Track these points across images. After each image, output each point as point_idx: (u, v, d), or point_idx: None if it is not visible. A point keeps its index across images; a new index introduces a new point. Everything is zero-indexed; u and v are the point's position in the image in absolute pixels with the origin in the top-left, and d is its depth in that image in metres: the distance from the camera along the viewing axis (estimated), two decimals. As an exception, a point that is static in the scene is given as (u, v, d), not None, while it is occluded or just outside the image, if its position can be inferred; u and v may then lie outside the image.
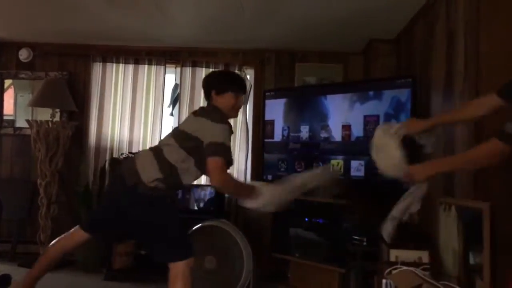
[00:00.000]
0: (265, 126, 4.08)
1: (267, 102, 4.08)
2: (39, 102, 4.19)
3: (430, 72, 3.08)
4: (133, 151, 4.26)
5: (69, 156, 4.25)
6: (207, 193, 4.08)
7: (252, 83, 4.52)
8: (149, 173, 2.35)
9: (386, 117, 3.31)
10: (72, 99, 4.30)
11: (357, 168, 3.45)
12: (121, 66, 4.51)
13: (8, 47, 4.61)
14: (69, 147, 4.22)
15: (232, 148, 4.36)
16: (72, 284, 3.53)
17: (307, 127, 3.78)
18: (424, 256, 2.51)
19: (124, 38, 4.35)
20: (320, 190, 2.99)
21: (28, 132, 4.20)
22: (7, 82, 4.67)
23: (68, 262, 4.08)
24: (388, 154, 2.13)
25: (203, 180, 4.35)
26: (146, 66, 4.49)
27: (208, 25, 3.84)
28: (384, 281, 2.41)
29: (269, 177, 3.98)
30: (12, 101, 4.66)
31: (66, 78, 4.51)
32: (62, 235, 2.74)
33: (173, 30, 4.04)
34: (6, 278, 3.12)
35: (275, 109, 3.99)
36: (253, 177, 4.45)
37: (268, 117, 4.05)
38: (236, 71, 4.44)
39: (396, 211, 2.10)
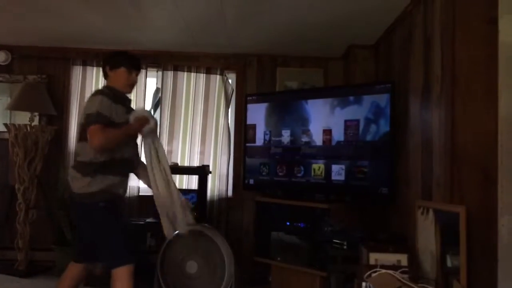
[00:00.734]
0: (246, 130, 4.09)
1: (249, 106, 4.09)
2: (17, 105, 4.12)
3: (408, 77, 3.14)
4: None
5: (48, 160, 4.19)
6: (189, 198, 4.06)
7: (234, 88, 4.53)
8: (75, 182, 2.47)
9: (366, 121, 3.36)
10: (51, 102, 4.25)
11: (338, 172, 3.49)
12: (101, 69, 4.45)
13: (-15, 50, 4.53)
14: (48, 151, 4.17)
15: (214, 152, 4.42)
16: (51, 290, 3.47)
17: (289, 131, 3.80)
18: (403, 259, 2.55)
19: (105, 42, 4.31)
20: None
21: (6, 136, 4.13)
22: (-16, 85, 4.59)
23: (47, 267, 4.03)
24: None
25: (184, 184, 4.35)
26: (127, 69, 4.45)
27: (189, 29, 3.83)
28: (363, 284, 2.44)
29: (251, 181, 4.00)
30: (-11, 104, 4.58)
31: (45, 82, 4.45)
32: (62, 278, 2.71)
33: (153, 34, 4.03)
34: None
35: (257, 114, 4.01)
36: (235, 181, 4.46)
37: (249, 121, 4.07)
38: (218, 75, 4.45)
39: None
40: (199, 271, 3.23)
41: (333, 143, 3.53)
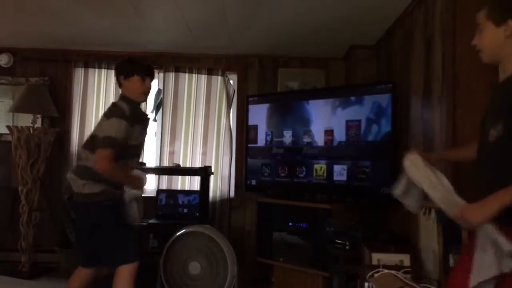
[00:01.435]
0: (248, 131, 4.10)
1: (250, 107, 4.10)
2: (20, 107, 4.14)
3: (409, 77, 3.15)
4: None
5: (50, 162, 4.21)
6: (192, 199, 4.08)
7: (235, 88, 4.54)
8: (76, 182, 2.52)
9: (367, 121, 3.36)
10: (54, 104, 4.26)
11: (339, 172, 3.49)
12: (103, 71, 4.48)
13: (-13, 53, 4.55)
14: (51, 153, 4.18)
15: (216, 153, 4.42)
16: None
17: (290, 132, 3.81)
18: (405, 259, 2.55)
19: (106, 44, 4.33)
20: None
21: (9, 138, 4.15)
22: (-13, 88, 4.60)
23: (50, 269, 4.04)
24: (435, 187, 1.75)
25: (187, 185, 4.36)
26: (129, 71, 4.47)
27: (191, 30, 3.84)
28: (366, 284, 2.44)
29: (253, 182, 4.01)
30: (-8, 107, 4.59)
31: (48, 84, 4.47)
32: (70, 281, 2.72)
33: (155, 35, 4.04)
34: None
35: (258, 114, 4.02)
36: (237, 182, 4.47)
37: (251, 122, 4.08)
38: (219, 76, 4.46)
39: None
40: (202, 272, 3.24)
41: (335, 143, 3.54)
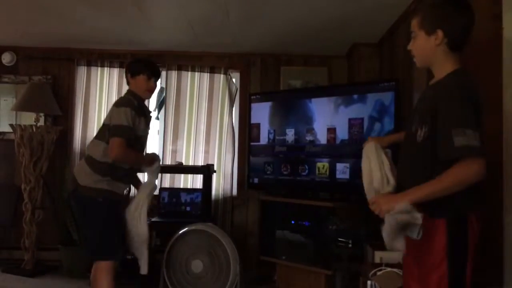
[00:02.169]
0: (251, 129, 4.10)
1: (253, 105, 4.10)
2: (23, 106, 4.15)
3: (412, 75, 3.13)
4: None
5: (53, 160, 4.22)
6: (194, 197, 4.09)
7: (238, 87, 4.54)
8: (83, 175, 2.58)
9: (370, 120, 3.35)
10: (57, 103, 4.27)
11: (342, 170, 3.49)
12: (106, 69, 4.48)
13: (-10, 51, 4.56)
14: (54, 151, 4.19)
15: (218, 151, 4.43)
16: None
17: (293, 130, 3.80)
18: (408, 257, 2.54)
19: (109, 42, 4.33)
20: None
21: (12, 136, 4.16)
22: (-10, 86, 4.62)
23: (53, 267, 4.05)
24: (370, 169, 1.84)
25: (189, 184, 4.36)
26: (132, 69, 4.47)
27: (193, 28, 3.84)
28: (369, 282, 2.44)
29: (256, 180, 4.01)
30: (-5, 105, 4.61)
31: (50, 82, 4.48)
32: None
33: (157, 34, 4.04)
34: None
35: (261, 113, 4.02)
36: (240, 180, 4.47)
37: (254, 120, 4.07)
38: (222, 75, 4.46)
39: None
40: (205, 270, 3.24)
41: (338, 141, 3.53)
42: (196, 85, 4.50)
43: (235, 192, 4.47)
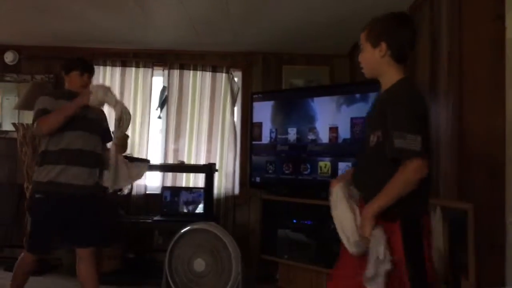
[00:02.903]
0: (253, 128, 4.10)
1: (255, 104, 4.10)
2: (25, 105, 4.14)
3: (415, 73, 3.12)
4: (121, 154, 4.23)
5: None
6: (196, 196, 4.08)
7: (240, 86, 4.54)
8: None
9: (372, 119, 3.34)
10: (59, 102, 4.27)
11: (344, 169, 3.48)
12: (108, 68, 4.48)
13: (-7, 50, 4.57)
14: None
15: (220, 150, 4.42)
16: (60, 288, 3.51)
17: (295, 129, 3.80)
18: (411, 256, 2.53)
19: (111, 41, 4.33)
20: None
21: (14, 135, 4.17)
22: (-8, 85, 4.63)
23: (54, 266, 4.06)
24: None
25: (191, 182, 4.36)
26: (134, 68, 4.48)
27: (195, 27, 3.84)
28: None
29: (257, 179, 4.01)
30: (-3, 104, 4.61)
31: (53, 81, 4.48)
32: None
33: (159, 33, 4.04)
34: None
35: (263, 112, 4.02)
36: (242, 179, 4.47)
37: (256, 119, 4.07)
38: (224, 74, 4.46)
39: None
40: (207, 269, 3.24)
41: (340, 140, 3.53)
42: (198, 84, 4.49)
43: (237, 191, 4.47)
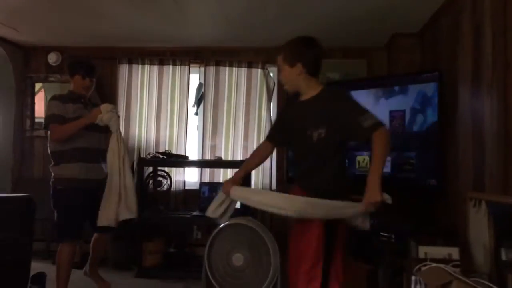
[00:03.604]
0: (289, 123, 4.08)
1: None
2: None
3: (457, 65, 3.03)
4: (160, 150, 4.32)
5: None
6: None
7: (276, 81, 4.53)
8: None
9: (412, 112, 3.27)
10: (100, 101, 4.39)
11: (383, 163, 3.42)
12: (146, 67, 4.58)
13: (37, 52, 4.75)
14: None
15: (256, 145, 4.41)
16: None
17: (332, 123, 3.76)
18: (454, 252, 2.47)
19: (148, 40, 4.42)
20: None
21: (59, 134, 4.31)
22: (38, 86, 4.81)
23: (100, 259, 4.19)
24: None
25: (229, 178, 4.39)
26: (171, 66, 4.56)
27: (231, 24, 3.86)
28: (413, 278, 2.39)
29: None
30: (42, 103, 4.79)
31: (94, 80, 4.60)
32: None
33: (195, 30, 4.08)
34: (41, 276, 3.23)
35: (299, 106, 3.99)
36: (278, 175, 4.47)
37: (292, 114, 4.05)
38: (259, 69, 4.46)
39: None
40: (245, 263, 3.26)
41: (378, 134, 3.47)
42: (234, 80, 4.52)
43: (274, 186, 4.48)
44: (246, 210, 3.82)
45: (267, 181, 4.42)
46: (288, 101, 2.41)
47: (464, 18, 2.89)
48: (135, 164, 4.26)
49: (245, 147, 4.48)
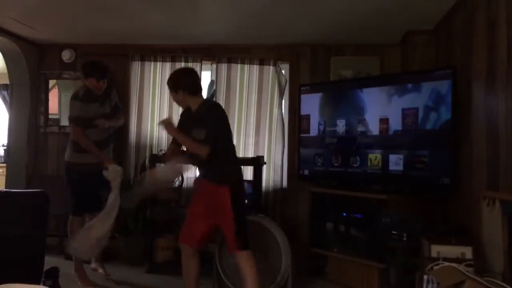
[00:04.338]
0: (301, 121, 4.08)
1: (303, 96, 4.08)
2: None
3: (471, 62, 2.99)
4: (172, 147, 4.34)
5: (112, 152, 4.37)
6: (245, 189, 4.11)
7: (287, 78, 4.52)
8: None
9: (425, 109, 3.24)
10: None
11: (395, 162, 3.40)
12: (158, 64, 4.60)
13: (51, 49, 4.79)
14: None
15: (268, 143, 4.43)
16: (116, 277, 3.65)
17: (344, 121, 3.75)
18: (467, 251, 2.45)
19: (161, 37, 4.44)
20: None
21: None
22: (52, 82, 4.87)
23: (111, 254, 4.22)
24: None
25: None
26: (183, 63, 4.56)
27: (243, 21, 3.86)
28: (425, 277, 2.37)
29: (306, 172, 3.99)
30: (56, 100, 4.84)
31: (106, 81, 4.63)
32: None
33: (208, 28, 4.09)
34: (55, 271, 3.26)
35: (311, 104, 3.99)
36: (290, 172, 4.46)
37: (303, 112, 4.05)
38: (271, 66, 4.46)
39: None
40: (256, 261, 3.26)
41: (390, 132, 3.45)
42: (246, 77, 4.52)
43: (285, 183, 4.47)
44: (257, 206, 3.83)
45: (278, 177, 4.42)
46: None
47: (479, 15, 2.85)
48: (147, 161, 4.29)
49: (257, 144, 4.48)
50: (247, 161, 4.22)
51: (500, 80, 2.52)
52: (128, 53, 4.63)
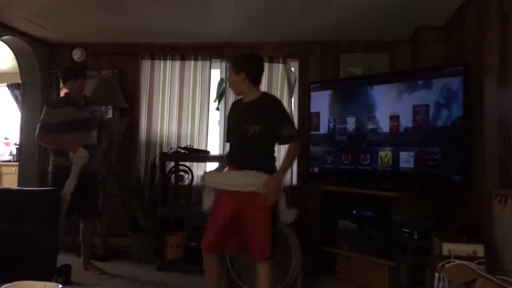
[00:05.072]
0: (310, 118, 4.06)
1: (312, 94, 4.06)
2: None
3: (483, 58, 2.96)
4: (181, 145, 4.36)
5: (121, 151, 4.41)
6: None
7: (297, 75, 4.51)
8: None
9: (436, 106, 3.22)
10: (123, 96, 4.45)
11: (406, 159, 3.38)
12: (168, 62, 4.61)
13: (62, 48, 4.83)
14: (121, 142, 4.38)
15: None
16: (127, 274, 3.67)
17: (354, 118, 3.73)
18: (479, 249, 2.43)
19: (170, 35, 4.45)
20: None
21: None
22: (62, 82, 4.90)
23: (123, 252, 4.26)
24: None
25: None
26: (192, 61, 4.58)
27: (252, 19, 3.85)
28: (436, 275, 2.36)
29: (316, 169, 3.98)
30: (67, 99, 4.87)
31: (117, 76, 4.67)
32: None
33: (217, 26, 4.09)
34: (67, 268, 3.30)
35: (321, 101, 3.97)
36: (300, 170, 4.45)
37: (313, 109, 4.03)
38: (281, 64, 4.44)
39: None
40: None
41: (401, 129, 3.42)
42: (255, 75, 4.50)
43: (295, 181, 4.46)
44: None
45: (288, 175, 4.40)
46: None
47: (491, 10, 2.81)
48: (157, 159, 4.31)
49: (266, 142, 4.46)
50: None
51: (512, 76, 2.49)
52: (138, 52, 4.65)
